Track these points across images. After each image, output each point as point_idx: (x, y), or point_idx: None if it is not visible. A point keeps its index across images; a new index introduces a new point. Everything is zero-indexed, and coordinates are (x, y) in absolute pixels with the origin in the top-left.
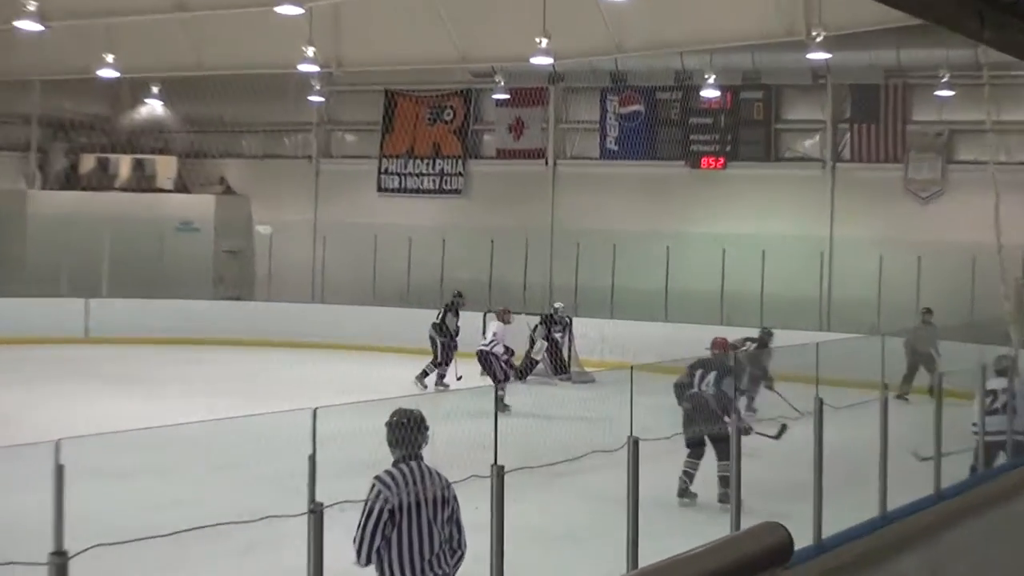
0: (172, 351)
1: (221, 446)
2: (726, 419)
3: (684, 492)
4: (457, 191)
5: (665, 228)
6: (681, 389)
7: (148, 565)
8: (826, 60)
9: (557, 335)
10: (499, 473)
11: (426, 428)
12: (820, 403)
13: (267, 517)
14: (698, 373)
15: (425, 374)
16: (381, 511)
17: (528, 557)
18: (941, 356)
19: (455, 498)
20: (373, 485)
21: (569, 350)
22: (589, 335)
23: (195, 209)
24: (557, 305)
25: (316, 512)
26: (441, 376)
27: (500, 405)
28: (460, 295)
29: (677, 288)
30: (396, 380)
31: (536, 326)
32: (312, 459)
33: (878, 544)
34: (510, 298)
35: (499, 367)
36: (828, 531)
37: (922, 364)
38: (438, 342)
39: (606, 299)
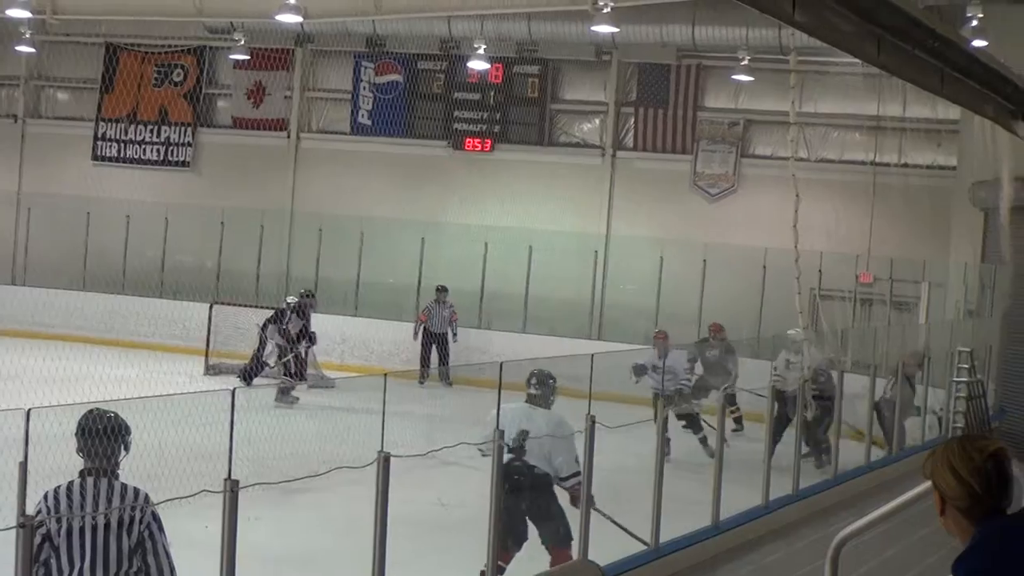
0: None
1: None
2: None
3: None
4: (185, 163)
5: (421, 216)
6: None
7: None
8: (612, 34)
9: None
10: (232, 488)
11: (125, 435)
12: (592, 421)
13: None
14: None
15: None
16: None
17: None
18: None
19: (151, 523)
20: (37, 504)
21: (306, 351)
22: (329, 334)
23: None
24: (290, 300)
25: (26, 527)
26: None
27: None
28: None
29: (431, 285)
30: (111, 377)
31: (266, 323)
32: (23, 466)
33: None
34: (240, 290)
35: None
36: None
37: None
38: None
39: (350, 294)
